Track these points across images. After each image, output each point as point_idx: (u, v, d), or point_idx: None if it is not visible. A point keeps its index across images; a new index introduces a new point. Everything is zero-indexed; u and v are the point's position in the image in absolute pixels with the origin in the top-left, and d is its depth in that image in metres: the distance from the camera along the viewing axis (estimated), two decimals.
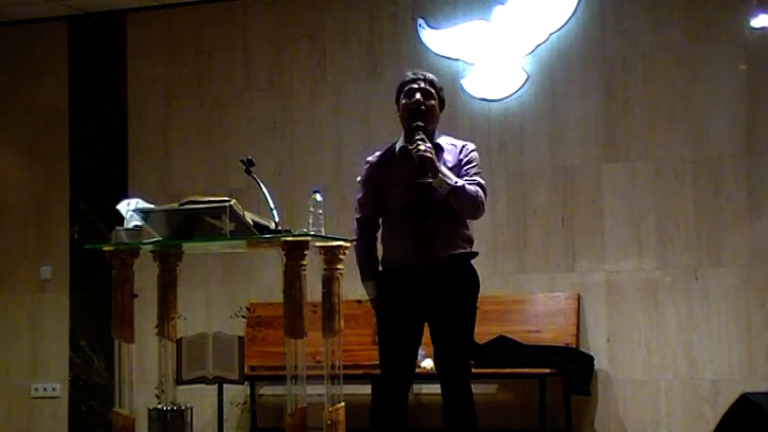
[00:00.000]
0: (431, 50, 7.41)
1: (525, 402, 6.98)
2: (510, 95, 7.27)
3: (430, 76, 4.93)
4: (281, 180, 7.56)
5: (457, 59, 7.36)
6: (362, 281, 4.95)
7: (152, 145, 8.11)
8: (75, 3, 8.03)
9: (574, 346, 6.92)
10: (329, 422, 5.17)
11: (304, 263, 4.97)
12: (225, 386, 5.99)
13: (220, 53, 7.98)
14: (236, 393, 7.36)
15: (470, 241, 4.86)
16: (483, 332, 6.03)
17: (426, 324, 4.83)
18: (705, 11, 6.92)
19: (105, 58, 8.22)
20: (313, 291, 5.14)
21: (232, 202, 5.01)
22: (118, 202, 5.51)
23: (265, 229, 5.11)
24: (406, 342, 4.80)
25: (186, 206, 5.17)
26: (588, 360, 6.88)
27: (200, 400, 6.81)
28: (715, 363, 6.79)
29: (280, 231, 5.07)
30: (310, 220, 5.11)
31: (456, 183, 4.71)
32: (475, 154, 4.88)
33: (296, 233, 5.04)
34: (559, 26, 7.17)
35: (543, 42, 7.21)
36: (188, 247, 5.46)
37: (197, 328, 5.68)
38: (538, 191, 7.18)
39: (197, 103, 8.02)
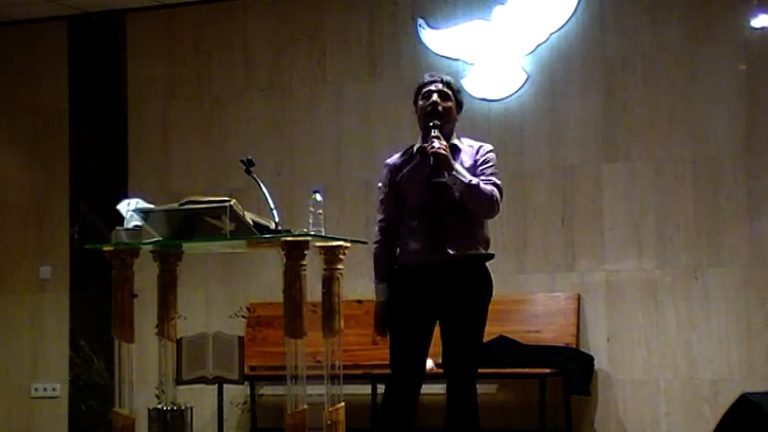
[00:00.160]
0: (431, 50, 7.42)
1: (525, 402, 6.98)
2: (510, 95, 7.27)
3: (447, 77, 4.97)
4: (280, 180, 7.56)
5: (457, 59, 7.36)
6: (375, 283, 4.94)
7: (152, 145, 8.11)
8: (75, 3, 8.03)
9: (574, 346, 6.92)
10: (329, 422, 5.17)
11: (304, 263, 4.97)
12: (225, 386, 5.99)
13: (220, 53, 7.98)
14: (236, 393, 7.36)
15: (486, 242, 4.88)
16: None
17: (437, 323, 4.84)
18: (705, 11, 6.92)
19: (105, 57, 8.22)
20: (313, 291, 5.14)
21: (232, 202, 5.02)
22: (118, 201, 5.52)
23: (265, 229, 5.11)
24: (417, 342, 4.80)
25: (186, 206, 5.17)
26: (588, 360, 6.88)
27: (200, 400, 6.81)
28: (715, 363, 6.79)
29: (280, 231, 5.08)
30: (310, 220, 5.12)
31: (471, 181, 4.73)
32: (492, 155, 4.91)
33: (296, 233, 5.04)
34: (559, 26, 7.17)
35: (543, 42, 7.21)
36: (188, 247, 5.47)
37: (197, 328, 5.68)
38: (538, 191, 7.19)
39: (197, 103, 8.02)
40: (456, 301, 4.76)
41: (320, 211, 5.11)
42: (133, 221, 5.31)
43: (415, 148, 4.90)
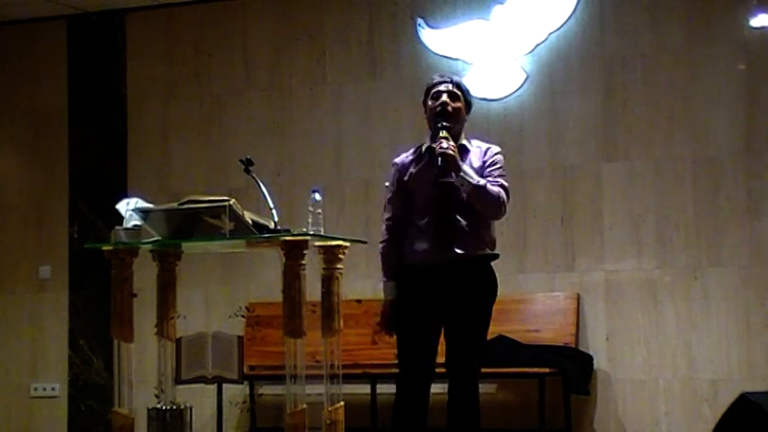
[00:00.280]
0: (430, 50, 7.42)
1: (525, 402, 6.98)
2: (509, 95, 7.27)
3: (456, 78, 5.00)
4: (280, 180, 7.56)
5: (456, 59, 7.36)
6: (384, 282, 4.95)
7: (151, 145, 8.11)
8: (75, 2, 8.03)
9: (573, 345, 6.92)
10: (328, 422, 5.17)
11: (303, 262, 4.97)
12: (224, 386, 6.01)
13: (220, 53, 7.98)
14: (235, 393, 7.37)
15: (492, 243, 4.90)
16: None
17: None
18: (705, 11, 6.92)
19: (105, 57, 8.22)
20: (312, 290, 5.14)
21: (231, 202, 5.02)
22: (117, 201, 5.51)
23: (265, 228, 5.11)
24: (425, 340, 4.80)
25: (186, 206, 5.17)
26: (587, 360, 6.88)
27: (199, 400, 6.82)
28: (714, 362, 6.79)
29: (279, 231, 5.08)
30: (309, 220, 5.12)
31: (478, 182, 4.75)
32: (500, 157, 4.93)
33: (295, 233, 5.04)
34: (559, 26, 7.17)
35: (543, 42, 7.21)
36: (187, 246, 5.46)
37: (196, 327, 5.68)
38: (537, 190, 7.19)
39: (197, 103, 8.01)
40: (461, 300, 4.77)
41: (319, 211, 5.11)
42: (132, 221, 5.31)
43: (423, 148, 4.92)
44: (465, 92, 4.95)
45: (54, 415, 8.15)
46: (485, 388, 6.81)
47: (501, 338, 6.76)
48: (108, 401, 6.34)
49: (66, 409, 8.12)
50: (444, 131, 4.78)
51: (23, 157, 8.49)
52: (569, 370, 6.72)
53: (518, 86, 7.25)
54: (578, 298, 7.03)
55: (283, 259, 4.98)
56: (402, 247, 4.90)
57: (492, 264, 4.89)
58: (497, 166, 4.89)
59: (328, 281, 5.21)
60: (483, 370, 4.94)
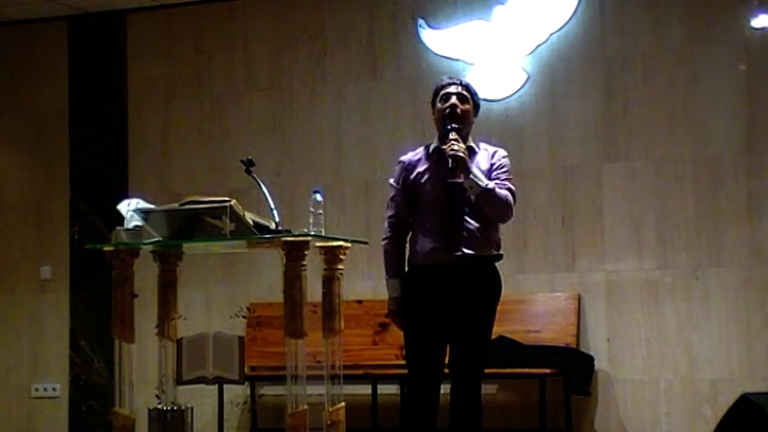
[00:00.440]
0: (431, 50, 7.41)
1: (525, 402, 6.98)
2: (510, 95, 7.27)
3: (465, 80, 5.05)
4: (281, 180, 7.56)
5: (457, 59, 7.36)
6: (387, 279, 4.95)
7: (152, 145, 8.11)
8: (75, 3, 8.03)
9: (574, 346, 6.92)
10: (329, 422, 5.17)
11: (304, 263, 4.98)
12: (225, 386, 6.01)
13: (220, 53, 7.98)
14: (236, 393, 7.37)
15: (498, 244, 4.92)
16: None
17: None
18: (705, 11, 6.92)
19: (105, 58, 8.22)
20: (313, 291, 5.14)
21: (232, 203, 5.02)
22: (118, 202, 5.52)
23: (265, 229, 5.11)
24: (433, 341, 4.81)
25: (186, 206, 5.17)
26: (588, 360, 6.88)
27: (200, 401, 6.83)
28: (715, 363, 6.79)
29: (280, 231, 5.08)
30: (310, 220, 5.12)
31: (487, 185, 4.78)
32: (507, 160, 4.97)
33: (296, 233, 5.04)
34: (559, 26, 7.17)
35: (543, 42, 7.21)
36: (188, 247, 5.47)
37: (197, 328, 5.68)
38: (538, 191, 7.19)
39: (197, 103, 8.01)
40: (468, 301, 4.78)
41: (320, 211, 5.12)
42: (133, 221, 5.31)
43: (431, 148, 4.93)
44: (473, 94, 4.99)
45: (55, 415, 8.15)
46: (486, 388, 6.79)
47: (502, 339, 6.75)
48: (109, 402, 6.34)
49: (66, 409, 8.12)
50: (454, 133, 4.79)
51: (24, 157, 8.49)
52: (570, 370, 6.72)
53: (519, 87, 7.25)
54: (579, 298, 7.03)
55: (284, 260, 4.98)
56: (407, 245, 4.92)
57: (496, 264, 4.90)
58: (504, 169, 4.93)
59: (329, 281, 5.21)
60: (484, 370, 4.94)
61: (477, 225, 4.80)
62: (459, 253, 4.76)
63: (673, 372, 6.87)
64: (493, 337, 4.98)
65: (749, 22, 6.87)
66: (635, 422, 6.92)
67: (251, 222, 5.05)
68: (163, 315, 5.48)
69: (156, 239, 5.28)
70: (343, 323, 5.26)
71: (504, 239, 5.02)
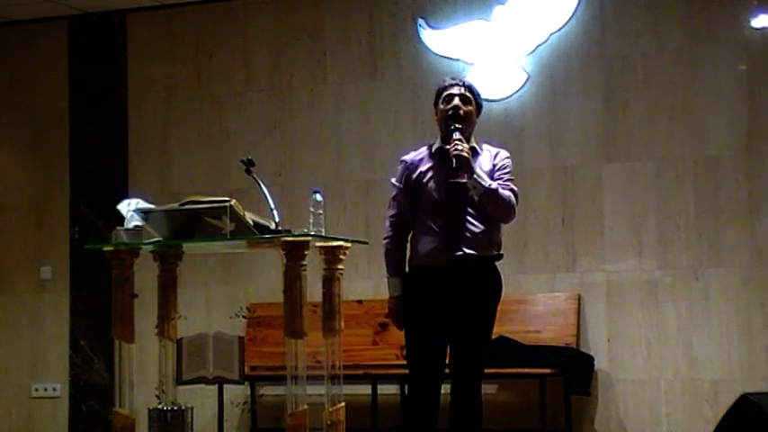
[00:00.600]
0: (431, 50, 7.41)
1: (525, 402, 6.98)
2: (510, 95, 7.27)
3: (468, 81, 5.05)
4: (281, 180, 7.56)
5: (457, 59, 7.36)
6: (388, 278, 4.95)
7: (152, 145, 8.10)
8: (75, 3, 8.03)
9: (574, 346, 6.92)
10: (329, 422, 5.17)
11: (304, 263, 4.98)
12: (225, 386, 6.00)
13: (220, 53, 7.97)
14: (236, 393, 7.37)
15: (499, 244, 4.93)
16: None
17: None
18: (705, 11, 6.92)
19: (105, 58, 8.22)
20: (313, 291, 5.14)
21: (232, 203, 5.02)
22: (118, 202, 5.52)
23: (266, 229, 5.11)
24: (434, 341, 4.81)
25: (186, 206, 5.17)
26: (588, 360, 6.88)
27: (200, 401, 6.83)
28: (715, 363, 6.79)
29: (280, 231, 5.08)
30: (310, 220, 5.12)
31: (490, 185, 4.79)
32: (509, 161, 4.99)
33: (296, 233, 5.04)
34: (560, 26, 7.17)
35: (543, 42, 7.21)
36: (188, 247, 5.47)
37: (197, 328, 5.68)
38: (538, 191, 7.18)
39: (197, 103, 8.01)
40: (469, 300, 4.78)
41: (320, 211, 5.12)
42: (133, 222, 5.31)
43: (434, 148, 4.93)
44: (476, 95, 5.00)
45: (55, 415, 8.15)
46: (486, 388, 6.79)
47: (502, 339, 6.75)
48: (109, 402, 6.34)
49: (66, 409, 8.12)
50: (458, 133, 4.80)
51: (24, 157, 8.49)
52: (570, 370, 6.72)
53: (519, 87, 7.25)
54: (579, 298, 7.03)
55: (284, 260, 4.98)
56: (408, 245, 4.92)
57: (496, 263, 4.91)
58: (507, 170, 4.95)
59: (329, 281, 5.21)
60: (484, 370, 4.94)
61: (479, 225, 4.81)
62: (461, 253, 4.76)
63: (673, 372, 6.87)
64: (493, 337, 4.98)
65: (749, 22, 6.87)
66: (635, 422, 6.92)
67: (251, 222, 5.05)
68: (163, 315, 5.48)
69: (156, 239, 5.28)
70: (343, 323, 5.26)
71: (505, 239, 5.02)
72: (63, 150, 8.27)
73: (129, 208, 5.35)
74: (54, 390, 8.17)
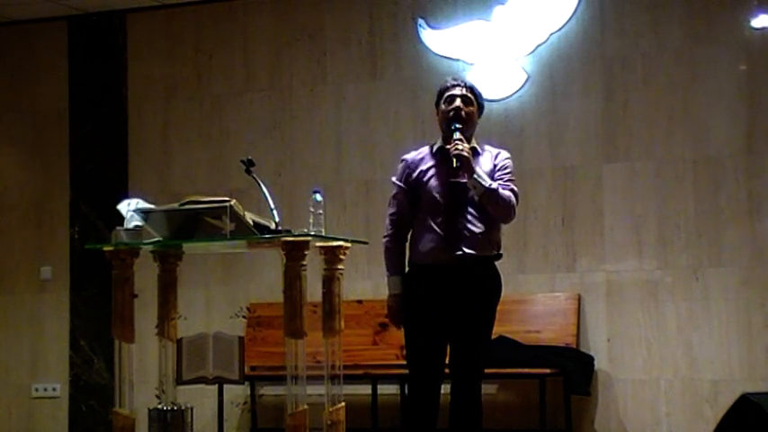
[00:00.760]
0: (431, 50, 7.41)
1: (525, 402, 6.98)
2: (510, 95, 7.27)
3: (470, 82, 5.05)
4: (281, 180, 7.56)
5: (457, 59, 7.36)
6: (388, 276, 4.96)
7: (152, 145, 8.10)
8: (75, 3, 8.03)
9: (574, 346, 6.92)
10: (329, 422, 5.17)
11: (304, 263, 4.98)
12: (225, 386, 6.00)
13: (220, 53, 7.97)
14: (236, 393, 7.37)
15: (498, 244, 4.94)
16: None
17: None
18: (705, 11, 6.92)
19: (105, 57, 8.22)
20: (313, 291, 5.14)
21: (232, 203, 5.02)
22: (118, 202, 5.52)
23: (266, 229, 5.11)
24: (434, 340, 4.82)
25: (186, 206, 5.17)
26: (588, 360, 6.88)
27: (200, 401, 6.82)
28: (715, 363, 6.79)
29: (280, 231, 5.08)
30: (310, 220, 5.12)
31: (490, 185, 4.80)
32: (509, 162, 5.00)
33: (296, 233, 5.04)
34: (559, 26, 7.17)
35: (543, 42, 7.21)
36: (188, 247, 5.47)
37: (197, 328, 5.68)
38: (538, 191, 7.18)
39: (197, 103, 8.01)
40: (468, 300, 4.79)
41: (320, 211, 5.12)
42: (133, 221, 5.31)
43: (434, 148, 4.94)
44: (477, 96, 5.01)
45: (55, 415, 8.15)
46: (486, 388, 6.79)
47: (502, 339, 6.75)
48: (109, 402, 6.34)
49: (66, 409, 8.12)
50: (459, 133, 4.81)
51: (24, 157, 8.49)
52: (570, 370, 6.72)
53: (519, 87, 7.25)
54: (579, 298, 7.03)
55: (284, 260, 4.98)
56: (408, 244, 4.93)
57: (496, 263, 4.91)
58: (507, 170, 4.96)
59: (329, 281, 5.21)
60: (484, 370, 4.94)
61: (479, 225, 4.81)
62: (460, 252, 4.77)
63: (673, 372, 6.87)
64: (493, 337, 4.98)
65: (749, 22, 6.87)
66: (635, 422, 6.92)
67: (251, 222, 5.05)
68: (163, 315, 5.48)
69: (156, 239, 5.28)
70: (343, 323, 5.26)
71: (505, 239, 5.03)
72: (63, 150, 8.27)
73: (129, 208, 5.35)
74: (54, 390, 8.17)
